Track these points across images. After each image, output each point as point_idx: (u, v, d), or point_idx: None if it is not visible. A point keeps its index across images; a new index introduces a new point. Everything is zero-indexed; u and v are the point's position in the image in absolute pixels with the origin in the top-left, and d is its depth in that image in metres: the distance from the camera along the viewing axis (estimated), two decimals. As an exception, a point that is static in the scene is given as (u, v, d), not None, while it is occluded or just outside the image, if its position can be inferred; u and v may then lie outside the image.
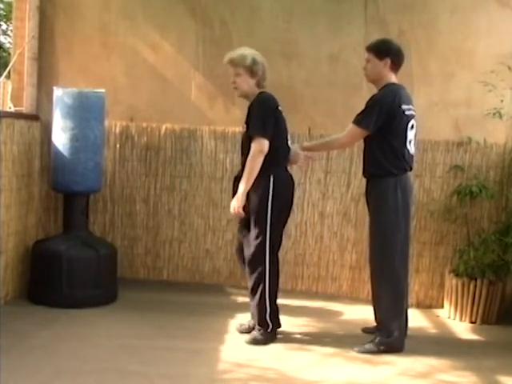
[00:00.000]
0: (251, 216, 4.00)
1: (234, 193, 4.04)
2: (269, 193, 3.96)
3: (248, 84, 4.02)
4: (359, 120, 4.02)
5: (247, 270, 4.09)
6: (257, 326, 4.07)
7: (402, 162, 4.02)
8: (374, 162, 4.07)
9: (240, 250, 4.22)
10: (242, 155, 4.08)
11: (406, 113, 4.00)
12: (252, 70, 4.00)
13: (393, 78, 4.08)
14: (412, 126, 4.05)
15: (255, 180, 3.92)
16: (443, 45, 5.07)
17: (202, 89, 5.20)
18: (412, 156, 4.11)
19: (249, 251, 4.04)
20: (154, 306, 4.69)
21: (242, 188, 3.90)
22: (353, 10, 5.09)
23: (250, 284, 4.07)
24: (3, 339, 3.66)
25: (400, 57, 4.09)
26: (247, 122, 3.99)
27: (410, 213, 4.12)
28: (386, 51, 4.04)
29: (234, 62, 4.02)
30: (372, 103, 4.01)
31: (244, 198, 3.91)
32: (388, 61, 4.03)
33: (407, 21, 5.07)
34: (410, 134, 4.04)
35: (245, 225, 4.09)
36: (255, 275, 4.02)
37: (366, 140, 4.12)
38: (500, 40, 4.98)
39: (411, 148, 4.07)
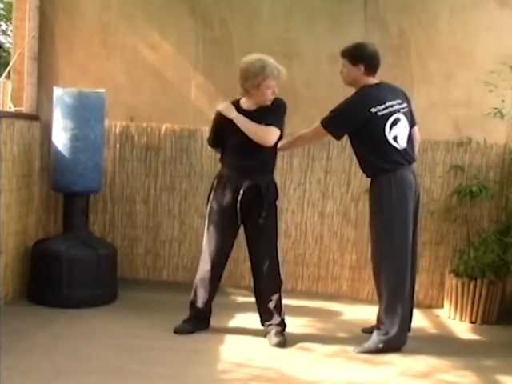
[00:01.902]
0: (268, 215, 4.00)
1: (242, 215, 4.00)
2: (276, 189, 4.09)
3: None
4: (326, 122, 4.03)
5: (267, 273, 4.08)
6: (279, 329, 4.08)
7: (393, 157, 3.97)
8: (365, 162, 4.10)
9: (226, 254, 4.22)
10: (252, 159, 3.98)
11: (380, 113, 3.95)
12: None
13: (369, 81, 4.06)
14: (394, 122, 3.98)
15: (267, 178, 4.02)
16: (443, 44, 5.06)
17: (202, 89, 5.19)
18: (403, 150, 4.01)
19: (270, 253, 4.07)
20: (154, 305, 4.69)
21: (243, 120, 3.91)
22: (353, 9, 5.08)
23: (266, 287, 4.11)
24: (3, 339, 3.65)
25: (374, 62, 4.06)
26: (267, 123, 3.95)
27: (410, 208, 3.99)
28: (359, 58, 4.02)
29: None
30: (342, 109, 4.00)
31: (234, 119, 3.93)
32: (361, 67, 4.02)
33: (407, 20, 5.06)
34: (394, 131, 3.97)
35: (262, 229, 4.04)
36: (275, 279, 4.10)
37: (351, 143, 4.14)
38: (500, 40, 4.98)
39: (399, 144, 3.99)
